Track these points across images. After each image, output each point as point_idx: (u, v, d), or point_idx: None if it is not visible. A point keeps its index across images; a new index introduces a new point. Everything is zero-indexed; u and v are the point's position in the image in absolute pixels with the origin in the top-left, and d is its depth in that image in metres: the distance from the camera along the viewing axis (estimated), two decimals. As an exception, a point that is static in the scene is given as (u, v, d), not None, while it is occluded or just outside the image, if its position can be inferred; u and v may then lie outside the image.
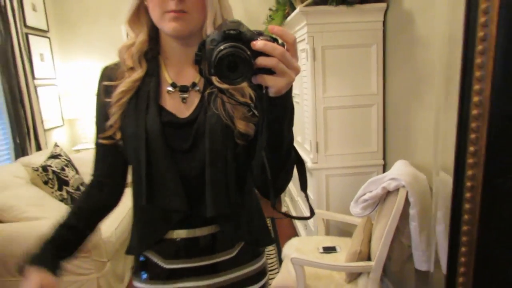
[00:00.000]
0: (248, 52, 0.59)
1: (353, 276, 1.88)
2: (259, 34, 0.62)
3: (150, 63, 0.90)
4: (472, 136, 0.53)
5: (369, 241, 1.89)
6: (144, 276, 0.95)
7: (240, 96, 0.84)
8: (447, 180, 1.74)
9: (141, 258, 0.96)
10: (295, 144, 0.80)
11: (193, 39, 0.84)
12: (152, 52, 0.90)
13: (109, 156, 0.94)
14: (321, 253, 2.12)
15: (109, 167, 0.96)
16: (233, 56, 0.59)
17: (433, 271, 1.70)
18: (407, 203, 1.69)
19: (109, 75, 0.91)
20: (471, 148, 0.51)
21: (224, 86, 0.76)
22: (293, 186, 3.22)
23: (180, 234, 0.91)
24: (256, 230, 0.98)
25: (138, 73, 0.87)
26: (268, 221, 3.67)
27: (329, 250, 2.13)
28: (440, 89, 1.41)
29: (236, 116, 0.83)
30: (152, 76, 0.88)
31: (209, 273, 0.93)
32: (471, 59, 0.51)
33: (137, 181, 0.89)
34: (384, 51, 2.24)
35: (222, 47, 0.59)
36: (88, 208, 0.96)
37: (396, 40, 2.13)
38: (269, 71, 0.61)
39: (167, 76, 0.89)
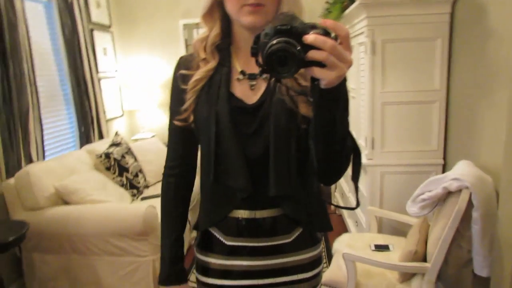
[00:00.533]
0: (298, 47, 0.62)
1: (407, 277, 1.83)
2: (312, 27, 0.63)
3: (222, 53, 0.96)
4: None
5: (425, 242, 1.84)
6: (206, 247, 1.03)
7: (303, 80, 0.87)
8: (486, 179, 1.65)
9: (206, 233, 1.03)
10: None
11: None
12: (223, 43, 0.96)
13: (182, 138, 1.02)
14: (373, 250, 2.09)
15: (183, 148, 1.04)
16: (283, 51, 0.62)
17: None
18: (469, 205, 1.62)
19: (185, 64, 0.99)
20: None
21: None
22: (344, 181, 3.18)
23: (242, 214, 0.96)
24: (315, 215, 1.00)
25: (212, 64, 0.94)
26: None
27: (381, 248, 2.09)
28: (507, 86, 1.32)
29: (300, 101, 0.87)
30: (224, 66, 0.95)
31: (266, 255, 0.97)
32: None
33: (206, 161, 0.96)
34: (450, 45, 2.13)
35: (274, 42, 0.62)
36: (180, 213, 1.08)
37: (465, 33, 2.03)
38: (321, 64, 0.63)
39: (237, 65, 0.95)
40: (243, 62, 0.95)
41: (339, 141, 0.78)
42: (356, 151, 0.83)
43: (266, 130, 0.89)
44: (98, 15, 3.86)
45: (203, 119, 0.93)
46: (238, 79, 0.94)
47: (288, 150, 0.89)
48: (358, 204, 0.88)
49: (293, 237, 0.98)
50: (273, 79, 0.86)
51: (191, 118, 0.95)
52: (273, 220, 0.95)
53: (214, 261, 1.01)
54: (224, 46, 0.96)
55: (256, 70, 0.89)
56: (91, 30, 3.69)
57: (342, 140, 0.79)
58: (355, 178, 0.87)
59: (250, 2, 0.83)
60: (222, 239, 0.99)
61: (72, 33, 3.28)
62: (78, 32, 3.33)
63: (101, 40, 3.91)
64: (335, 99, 0.71)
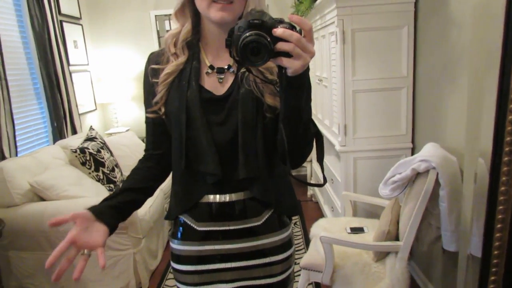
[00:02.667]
0: (269, 39, 0.70)
1: (381, 256, 1.92)
2: (280, 22, 0.72)
3: (192, 49, 1.01)
4: (511, 116, 0.56)
5: (397, 222, 1.93)
6: (179, 236, 1.07)
7: (269, 74, 0.94)
8: (451, 159, 1.75)
9: (178, 221, 1.07)
10: (320, 127, 0.87)
11: (231, 25, 0.90)
12: (193, 39, 1.01)
13: (157, 130, 1.07)
14: (349, 233, 2.17)
15: (158, 139, 1.08)
16: (256, 43, 0.70)
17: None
18: (437, 184, 1.71)
19: (155, 59, 1.04)
20: (509, 128, 0.54)
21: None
22: (320, 170, 3.25)
23: (213, 198, 1.02)
24: (282, 198, 1.06)
25: (182, 58, 1.00)
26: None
27: (356, 230, 2.18)
28: (474, 71, 1.41)
29: (266, 91, 0.94)
30: (194, 60, 1.00)
31: (237, 238, 1.03)
32: None
33: (177, 149, 1.01)
34: (416, 33, 2.22)
35: (247, 34, 0.71)
36: (142, 176, 1.08)
37: (428, 21, 2.11)
38: (287, 54, 0.71)
39: (206, 60, 1.01)
40: (212, 57, 1.01)
41: (303, 125, 0.87)
42: (318, 135, 0.92)
43: (234, 118, 0.96)
44: (67, 6, 3.78)
45: (174, 109, 0.98)
46: (207, 73, 1.00)
47: (254, 135, 0.96)
48: (325, 181, 0.98)
49: (263, 220, 1.03)
50: (241, 71, 0.94)
51: (162, 110, 1.00)
52: (243, 203, 1.01)
53: (188, 248, 1.05)
54: (194, 42, 1.01)
55: (224, 64, 1.00)
56: (61, 22, 3.60)
57: (306, 124, 0.87)
58: (320, 159, 0.96)
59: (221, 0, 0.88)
60: (194, 226, 1.04)
61: (41, 25, 3.20)
62: (48, 24, 3.26)
63: (72, 32, 3.83)
64: (300, 86, 0.79)
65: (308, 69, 0.77)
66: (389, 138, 2.35)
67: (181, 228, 1.06)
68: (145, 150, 1.12)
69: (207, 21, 0.97)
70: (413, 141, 2.36)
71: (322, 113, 3.00)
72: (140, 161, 1.11)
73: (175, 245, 1.08)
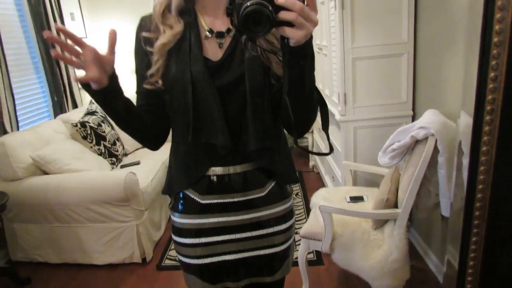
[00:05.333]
0: (270, 8, 0.68)
1: (380, 223, 1.93)
2: None
3: (186, 15, 0.96)
4: (492, 73, 0.54)
5: (396, 190, 1.93)
6: (181, 209, 1.05)
7: (276, 41, 0.90)
8: (450, 125, 1.73)
9: (180, 195, 1.05)
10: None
11: None
12: (186, 5, 0.96)
13: (151, 101, 1.01)
14: (349, 202, 2.18)
15: (151, 108, 1.01)
16: (257, 13, 0.68)
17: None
18: (436, 151, 1.70)
19: (146, 26, 0.98)
20: (491, 86, 0.53)
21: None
22: (321, 141, 3.24)
23: (216, 171, 0.99)
24: (285, 167, 1.05)
25: (178, 27, 0.94)
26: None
27: (356, 199, 2.19)
28: (469, 34, 1.37)
29: (273, 59, 0.91)
30: (191, 27, 0.94)
31: (240, 209, 1.01)
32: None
33: (181, 121, 0.96)
34: (416, -4, 2.16)
35: (248, 4, 0.68)
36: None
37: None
38: (290, 24, 0.69)
39: (204, 24, 0.96)
40: (209, 21, 0.96)
41: (307, 94, 0.85)
42: (322, 104, 0.89)
43: (242, 87, 0.91)
44: (62, -22, 3.69)
45: (176, 80, 0.93)
46: (206, 37, 0.95)
47: (263, 104, 0.93)
48: (331, 149, 0.94)
49: (266, 191, 1.03)
50: (245, 37, 0.91)
51: (160, 82, 0.95)
52: (245, 175, 0.99)
53: (190, 221, 1.04)
54: (188, 8, 0.96)
55: (223, 28, 0.95)
56: (57, -6, 3.53)
57: (310, 93, 0.85)
58: (325, 127, 0.93)
59: None
60: (197, 199, 1.02)
61: (37, -1, 3.14)
62: (43, -3, 3.19)
63: (68, 4, 3.76)
64: (303, 56, 0.77)
65: (311, 38, 0.74)
66: (390, 106, 2.32)
67: (182, 201, 1.04)
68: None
69: None
70: (413, 109, 2.33)
71: (322, 83, 2.96)
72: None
73: (176, 218, 1.06)
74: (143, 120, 1.01)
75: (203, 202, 1.01)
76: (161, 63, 0.94)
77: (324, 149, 3.15)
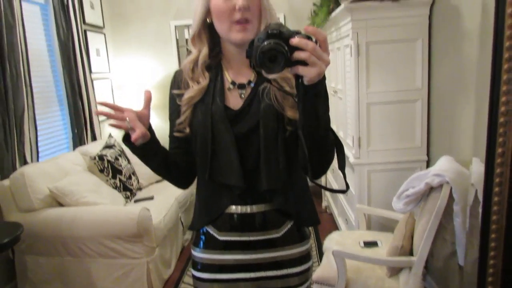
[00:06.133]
0: (286, 48, 0.74)
1: (395, 271, 1.89)
2: (297, 33, 0.76)
3: (212, 70, 1.06)
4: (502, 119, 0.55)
5: (411, 237, 1.90)
6: (201, 245, 1.11)
7: (288, 87, 0.97)
8: (465, 173, 1.71)
9: (201, 231, 1.11)
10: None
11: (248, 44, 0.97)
12: (214, 61, 1.06)
13: (181, 146, 1.11)
14: (362, 247, 2.14)
15: (182, 154, 1.11)
16: (273, 50, 0.74)
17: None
18: (451, 199, 1.68)
19: (177, 82, 1.09)
20: (500, 140, 0.54)
21: (272, 77, 0.90)
22: (336, 182, 3.24)
23: (235, 209, 1.05)
24: (303, 208, 1.10)
25: (204, 82, 1.04)
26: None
27: (370, 244, 2.15)
28: (480, 83, 1.39)
29: (286, 105, 0.97)
30: (216, 79, 1.05)
31: (258, 248, 1.06)
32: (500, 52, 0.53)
33: (202, 161, 1.05)
34: (430, 45, 2.20)
35: (265, 43, 0.75)
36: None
37: (442, 34, 2.10)
38: (304, 63, 0.74)
39: (228, 77, 1.06)
40: (233, 74, 1.06)
41: (322, 133, 0.89)
42: (338, 144, 0.94)
43: (257, 132, 0.99)
44: (91, 16, 3.90)
45: (199, 125, 1.02)
46: (229, 89, 1.04)
47: (276, 148, 0.99)
48: (347, 187, 0.98)
49: (282, 232, 1.06)
50: (262, 86, 0.99)
51: (187, 129, 1.05)
52: (263, 214, 1.04)
53: (209, 256, 1.09)
54: (215, 63, 1.06)
55: (244, 80, 1.04)
56: (85, 31, 3.72)
57: (325, 132, 0.89)
58: (342, 167, 0.97)
59: (237, 18, 0.94)
60: (216, 235, 1.08)
61: (66, 34, 3.31)
62: (72, 33, 3.37)
63: (94, 41, 3.94)
64: (316, 94, 0.81)
65: (324, 78, 0.79)
66: (404, 151, 2.33)
67: (203, 237, 1.10)
68: None
69: (227, 42, 1.03)
70: (428, 154, 2.33)
71: (336, 125, 2.99)
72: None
73: (197, 253, 1.12)
74: (178, 165, 1.10)
75: (221, 238, 1.07)
76: (188, 113, 1.04)
77: (338, 189, 3.13)
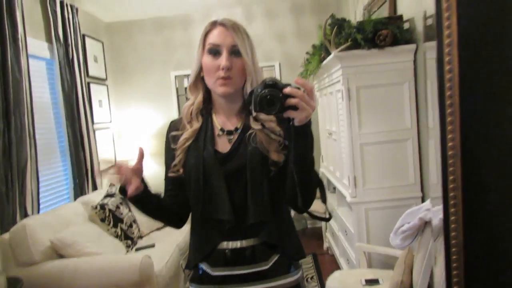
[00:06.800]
0: (280, 95, 0.93)
1: (397, 308, 1.90)
2: (288, 84, 0.95)
3: (204, 116, 1.22)
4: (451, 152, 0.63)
5: (411, 272, 1.93)
6: (197, 280, 1.21)
7: (274, 134, 1.14)
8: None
9: (196, 268, 1.21)
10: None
11: (235, 96, 1.18)
12: (206, 108, 1.22)
13: (175, 186, 1.23)
14: (364, 285, 2.16)
15: (175, 192, 1.24)
16: (271, 96, 0.94)
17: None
18: (446, 233, 1.73)
19: (175, 127, 1.24)
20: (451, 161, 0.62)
21: (259, 127, 1.12)
22: (335, 223, 3.27)
23: (226, 245, 1.16)
24: (288, 241, 1.20)
25: (196, 125, 1.20)
26: (310, 257, 3.71)
27: (372, 282, 2.17)
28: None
29: (271, 149, 1.12)
30: (207, 125, 1.20)
31: (249, 281, 1.15)
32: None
33: (195, 200, 1.16)
34: (416, 87, 2.34)
35: (263, 91, 0.94)
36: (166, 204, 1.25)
37: (427, 77, 2.24)
38: (294, 108, 0.93)
39: (217, 124, 1.21)
40: (221, 121, 1.21)
41: (309, 168, 1.05)
42: (319, 181, 1.13)
43: (244, 173, 1.12)
44: (95, 69, 4.08)
45: (193, 166, 1.15)
46: (219, 135, 1.19)
47: (261, 186, 1.13)
48: (330, 216, 1.25)
49: (270, 264, 1.16)
50: (249, 132, 1.15)
51: (181, 170, 1.18)
52: (252, 248, 1.15)
53: None
54: (206, 111, 1.22)
55: (232, 127, 1.20)
56: (88, 84, 3.88)
57: (312, 167, 1.06)
58: (323, 200, 1.18)
59: (221, 76, 1.11)
60: (209, 271, 1.17)
61: (71, 87, 3.45)
62: (76, 86, 3.51)
63: (97, 92, 4.10)
64: (304, 133, 0.99)
65: (310, 121, 0.98)
66: (399, 188, 2.40)
67: (199, 273, 1.20)
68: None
69: (215, 93, 1.19)
70: (422, 190, 2.40)
71: (333, 165, 3.08)
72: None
73: None
74: (170, 207, 1.23)
75: (215, 274, 1.17)
76: (182, 156, 1.18)
77: (337, 232, 3.17)
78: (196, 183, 1.15)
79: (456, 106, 0.58)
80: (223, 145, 1.17)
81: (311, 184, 1.09)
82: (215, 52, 1.13)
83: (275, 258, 1.17)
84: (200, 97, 1.21)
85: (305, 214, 1.19)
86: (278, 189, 1.14)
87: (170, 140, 1.22)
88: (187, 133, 1.18)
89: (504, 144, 0.61)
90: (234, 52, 1.12)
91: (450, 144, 0.58)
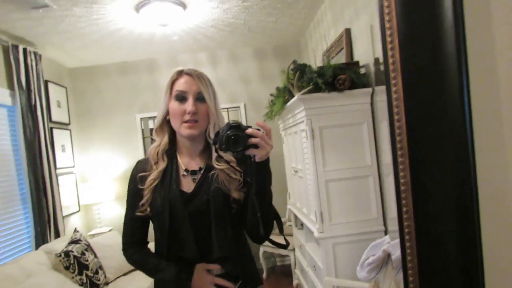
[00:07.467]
0: (243, 135, 1.08)
1: None
2: (249, 126, 1.11)
3: (170, 157, 1.31)
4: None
5: (379, 304, 2.00)
6: None
7: (233, 174, 1.25)
8: None
9: None
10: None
11: (198, 138, 1.30)
12: (171, 150, 1.32)
13: (139, 223, 1.33)
14: (335, 320, 2.20)
15: (139, 231, 1.34)
16: (236, 136, 1.08)
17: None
18: (408, 264, 1.83)
19: (142, 167, 1.33)
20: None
21: (222, 167, 1.24)
22: (304, 259, 3.32)
23: None
24: (249, 272, 1.33)
25: (162, 165, 1.29)
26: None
27: (342, 317, 2.21)
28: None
29: (232, 188, 1.24)
30: (172, 166, 1.30)
31: None
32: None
33: (161, 239, 1.25)
34: (374, 127, 2.52)
35: (229, 132, 1.08)
36: (146, 252, 1.35)
37: (382, 118, 2.42)
38: (255, 146, 1.08)
39: (182, 164, 1.31)
40: (186, 161, 1.32)
41: (269, 201, 1.20)
42: (277, 216, 1.27)
43: (208, 210, 1.23)
44: (58, 114, 4.04)
45: (159, 206, 1.24)
46: (183, 175, 1.29)
47: (225, 223, 1.23)
48: (288, 243, 1.31)
49: None
50: (211, 172, 1.27)
51: (148, 209, 1.27)
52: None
53: None
54: (171, 152, 1.32)
55: (196, 167, 1.31)
56: (51, 129, 3.82)
57: (270, 200, 1.21)
58: (281, 231, 1.28)
59: (187, 119, 1.23)
60: None
61: (33, 133, 3.40)
62: (39, 132, 3.46)
63: (60, 137, 4.04)
64: (264, 168, 1.14)
65: (268, 158, 1.13)
66: (363, 223, 2.51)
67: None
68: (129, 238, 1.33)
69: (179, 135, 1.30)
70: (384, 224, 2.52)
71: (300, 202, 3.17)
72: (129, 250, 1.33)
73: None
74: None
75: None
76: (149, 196, 1.26)
77: (306, 267, 3.21)
78: (162, 222, 1.23)
79: (405, 149, 0.68)
80: (188, 185, 1.27)
81: (271, 214, 1.22)
82: (181, 98, 1.25)
83: (238, 284, 1.28)
84: (166, 138, 1.31)
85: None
86: (239, 224, 1.26)
87: (138, 180, 1.30)
88: (154, 174, 1.27)
89: (448, 179, 0.72)
90: (199, 98, 1.25)
91: (402, 180, 0.68)
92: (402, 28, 0.65)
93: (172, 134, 1.32)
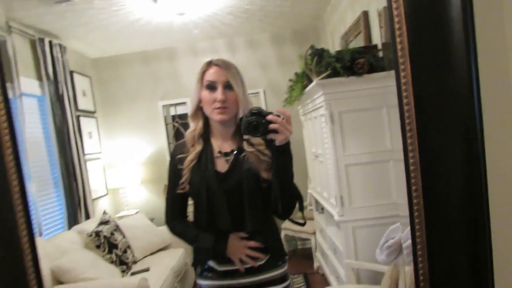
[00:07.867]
0: (263, 121, 1.18)
1: (385, 321, 2.00)
2: (270, 112, 1.20)
3: (205, 140, 1.42)
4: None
5: (397, 286, 2.03)
6: (205, 274, 1.45)
7: (262, 155, 1.36)
8: None
9: (204, 265, 1.46)
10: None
11: (229, 123, 1.40)
12: (205, 133, 1.43)
13: (180, 200, 1.47)
14: (354, 300, 2.25)
15: (180, 206, 1.49)
16: (256, 122, 1.19)
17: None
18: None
19: (180, 149, 1.45)
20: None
21: (252, 149, 1.34)
22: (324, 242, 3.38)
23: None
24: (276, 245, 1.47)
25: (198, 148, 1.42)
26: (301, 277, 3.80)
27: (361, 297, 2.27)
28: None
29: (261, 168, 1.34)
30: (207, 148, 1.42)
31: (249, 274, 1.40)
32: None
33: (200, 212, 1.39)
34: (394, 111, 2.52)
35: (250, 118, 1.20)
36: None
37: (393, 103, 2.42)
38: (275, 132, 1.18)
39: (215, 147, 1.43)
40: (219, 144, 1.43)
41: (290, 181, 1.31)
42: (298, 194, 1.37)
43: (240, 189, 1.35)
44: (84, 103, 4.19)
45: (197, 184, 1.38)
46: (217, 157, 1.41)
47: (256, 200, 1.36)
48: (305, 222, 1.49)
49: (264, 260, 1.41)
50: (243, 154, 1.37)
51: (187, 187, 1.40)
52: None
53: (212, 283, 1.43)
54: (206, 135, 1.43)
55: (228, 149, 1.42)
56: (78, 117, 3.98)
57: (291, 180, 1.31)
58: (301, 209, 1.41)
59: (217, 107, 1.34)
60: (215, 267, 1.42)
61: (61, 121, 3.56)
62: (67, 120, 3.62)
63: (87, 125, 4.20)
64: (284, 152, 1.24)
65: (289, 142, 1.23)
66: (383, 207, 2.53)
67: (206, 267, 1.44)
68: (171, 214, 1.48)
69: (212, 120, 1.40)
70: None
71: (320, 186, 3.21)
72: (173, 222, 1.49)
73: (201, 281, 1.46)
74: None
75: (220, 269, 1.42)
76: (188, 175, 1.39)
77: (327, 250, 3.27)
78: (200, 198, 1.37)
79: (414, 130, 0.72)
80: (222, 165, 1.39)
81: (291, 194, 1.33)
82: (211, 87, 1.35)
83: (267, 257, 1.41)
84: (200, 123, 1.42)
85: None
86: (268, 201, 1.36)
87: (177, 161, 1.43)
88: (192, 155, 1.40)
89: (457, 158, 0.76)
90: (228, 86, 1.35)
91: (411, 161, 0.72)
92: (409, 14, 0.68)
93: (206, 119, 1.43)
